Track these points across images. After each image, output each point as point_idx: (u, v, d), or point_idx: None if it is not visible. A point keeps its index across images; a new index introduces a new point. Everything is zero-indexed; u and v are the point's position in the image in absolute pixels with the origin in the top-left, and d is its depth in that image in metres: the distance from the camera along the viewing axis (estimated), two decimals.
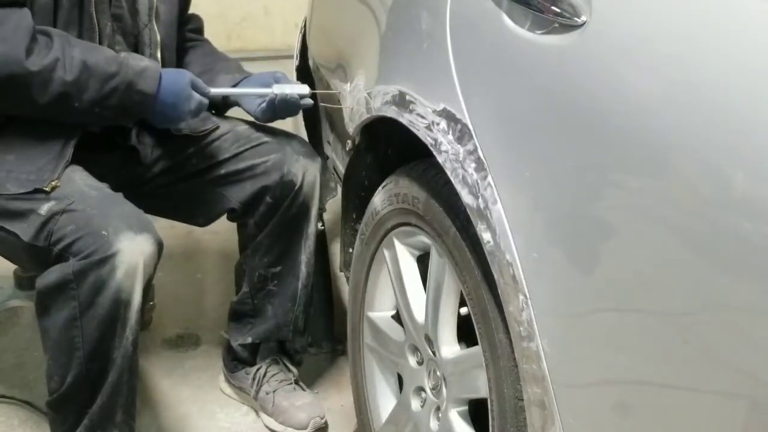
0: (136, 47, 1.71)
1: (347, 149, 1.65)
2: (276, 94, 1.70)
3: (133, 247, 1.47)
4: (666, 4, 0.91)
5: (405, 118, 1.31)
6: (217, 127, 1.83)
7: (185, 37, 1.91)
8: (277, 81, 1.73)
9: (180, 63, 1.86)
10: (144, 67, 1.59)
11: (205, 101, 1.65)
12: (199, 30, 1.98)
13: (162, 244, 1.55)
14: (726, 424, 0.84)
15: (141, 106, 1.59)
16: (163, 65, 1.73)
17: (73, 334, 1.51)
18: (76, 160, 1.63)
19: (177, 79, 1.62)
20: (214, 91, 1.70)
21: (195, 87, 1.64)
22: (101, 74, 1.55)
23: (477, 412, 1.32)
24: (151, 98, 1.58)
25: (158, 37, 1.73)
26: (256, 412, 1.94)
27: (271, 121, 1.78)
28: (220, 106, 1.84)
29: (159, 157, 1.81)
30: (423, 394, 1.43)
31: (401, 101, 1.33)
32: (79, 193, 1.55)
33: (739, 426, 0.83)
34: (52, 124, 1.59)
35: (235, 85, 1.78)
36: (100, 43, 1.64)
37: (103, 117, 1.60)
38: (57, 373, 1.56)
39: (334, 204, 2.12)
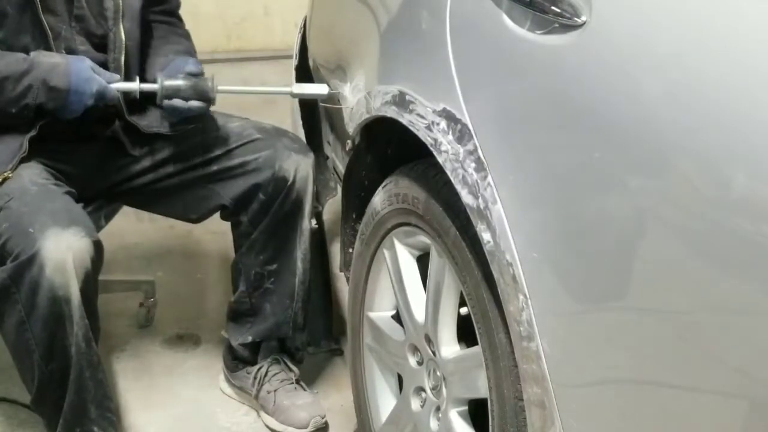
0: (103, 48, 1.73)
1: (347, 149, 1.65)
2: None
3: (58, 242, 1.47)
4: (666, 4, 0.91)
5: (405, 118, 1.31)
6: (194, 127, 1.82)
7: (151, 19, 1.89)
8: (191, 72, 1.71)
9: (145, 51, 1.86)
10: (55, 63, 1.61)
11: (105, 83, 1.64)
12: (167, 12, 1.94)
13: (96, 237, 1.54)
14: (726, 424, 0.84)
15: (55, 101, 1.61)
16: (129, 65, 1.75)
17: (26, 337, 1.52)
18: (48, 153, 1.67)
19: (78, 63, 1.62)
20: (222, 88, 1.71)
21: (96, 71, 1.64)
22: (14, 74, 1.58)
23: (477, 412, 1.32)
24: (64, 93, 1.60)
25: (123, 41, 1.73)
26: (257, 411, 1.94)
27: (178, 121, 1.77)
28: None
29: (148, 152, 1.82)
30: (423, 394, 1.43)
31: (401, 101, 1.33)
32: (20, 189, 1.57)
33: (738, 426, 0.83)
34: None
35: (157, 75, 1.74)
36: (56, 46, 1.66)
37: (22, 116, 1.62)
38: (26, 377, 1.59)
39: (334, 204, 2.12)
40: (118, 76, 1.69)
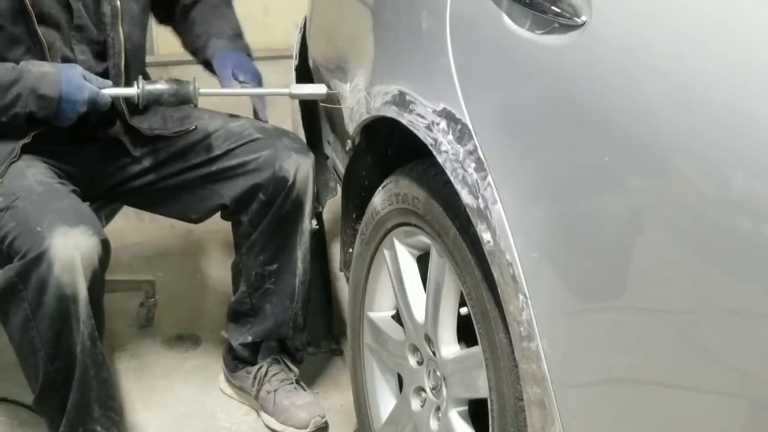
0: (104, 55, 1.73)
1: (347, 149, 1.65)
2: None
3: (66, 241, 1.48)
4: (666, 4, 0.91)
5: (405, 118, 1.31)
6: (195, 128, 1.83)
7: None
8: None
9: (187, 20, 1.87)
10: (44, 72, 1.60)
11: (96, 90, 1.63)
12: None
13: (103, 235, 1.54)
14: (726, 424, 0.84)
15: (46, 109, 1.60)
16: (129, 70, 1.75)
17: (31, 335, 1.53)
18: (48, 154, 1.67)
19: (69, 72, 1.62)
20: (205, 91, 1.70)
21: (87, 79, 1.63)
22: (2, 83, 1.58)
23: (477, 412, 1.32)
24: (55, 101, 1.59)
25: (122, 45, 1.73)
26: (257, 411, 1.94)
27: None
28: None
29: (149, 153, 1.82)
30: (423, 394, 1.43)
31: (401, 101, 1.33)
32: (26, 188, 1.57)
33: (738, 426, 0.83)
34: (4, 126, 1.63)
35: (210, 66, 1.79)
36: (51, 56, 1.65)
37: (12, 124, 1.62)
38: (30, 376, 1.59)
39: (334, 204, 2.12)
40: (110, 82, 1.68)
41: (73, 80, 1.60)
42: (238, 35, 1.90)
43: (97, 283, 1.53)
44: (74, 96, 1.59)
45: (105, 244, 1.55)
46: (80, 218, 1.53)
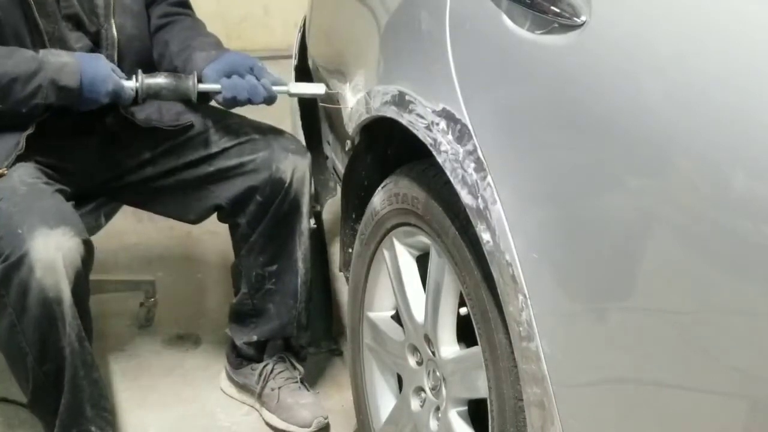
0: (98, 45, 1.72)
1: (347, 149, 1.65)
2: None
3: (47, 242, 1.46)
4: (666, 4, 0.91)
5: (404, 119, 1.31)
6: (192, 124, 1.81)
7: (165, 12, 1.88)
8: (253, 67, 1.71)
9: (159, 40, 1.85)
10: (64, 62, 1.59)
11: (121, 83, 1.62)
12: (182, 3, 1.93)
13: (86, 236, 1.53)
14: (726, 424, 0.84)
15: (66, 100, 1.60)
16: (125, 60, 1.73)
17: (18, 340, 1.51)
18: (45, 150, 1.66)
19: (93, 62, 1.61)
20: (203, 87, 1.69)
21: (115, 70, 1.63)
22: (23, 74, 1.56)
23: (477, 412, 1.32)
24: (75, 92, 1.59)
25: (114, 36, 1.72)
26: (257, 410, 1.93)
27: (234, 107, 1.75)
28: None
29: (145, 147, 1.81)
30: (423, 394, 1.43)
31: (401, 101, 1.33)
32: (10, 189, 1.56)
33: (739, 426, 0.83)
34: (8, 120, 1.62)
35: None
36: (51, 46, 1.65)
37: (33, 115, 1.61)
38: (21, 379, 1.58)
39: (334, 204, 2.12)
40: (138, 70, 1.66)
41: (100, 70, 1.60)
42: (220, 44, 1.85)
43: (82, 285, 1.51)
44: (97, 88, 1.59)
45: (87, 244, 1.53)
46: (61, 219, 1.51)
